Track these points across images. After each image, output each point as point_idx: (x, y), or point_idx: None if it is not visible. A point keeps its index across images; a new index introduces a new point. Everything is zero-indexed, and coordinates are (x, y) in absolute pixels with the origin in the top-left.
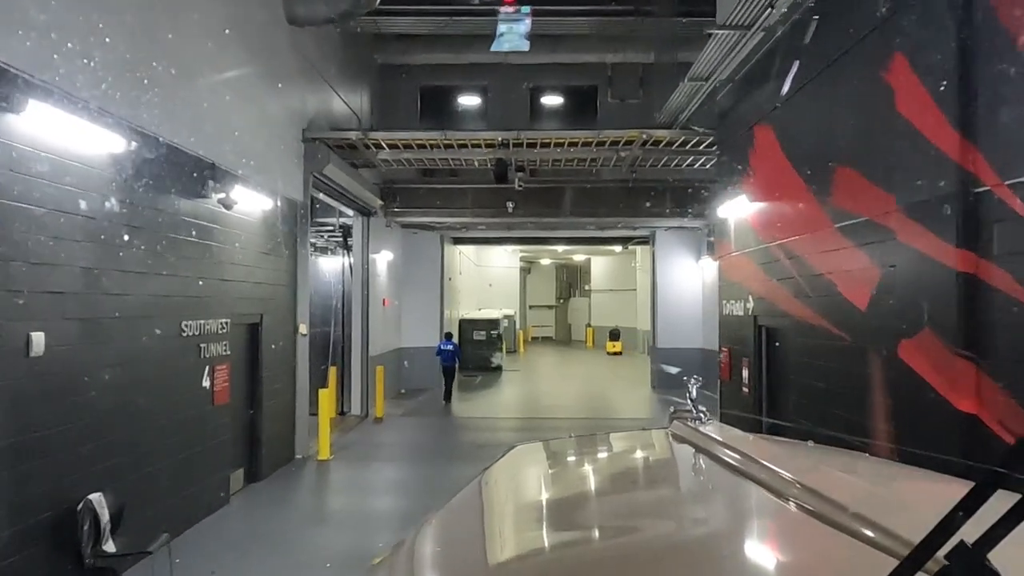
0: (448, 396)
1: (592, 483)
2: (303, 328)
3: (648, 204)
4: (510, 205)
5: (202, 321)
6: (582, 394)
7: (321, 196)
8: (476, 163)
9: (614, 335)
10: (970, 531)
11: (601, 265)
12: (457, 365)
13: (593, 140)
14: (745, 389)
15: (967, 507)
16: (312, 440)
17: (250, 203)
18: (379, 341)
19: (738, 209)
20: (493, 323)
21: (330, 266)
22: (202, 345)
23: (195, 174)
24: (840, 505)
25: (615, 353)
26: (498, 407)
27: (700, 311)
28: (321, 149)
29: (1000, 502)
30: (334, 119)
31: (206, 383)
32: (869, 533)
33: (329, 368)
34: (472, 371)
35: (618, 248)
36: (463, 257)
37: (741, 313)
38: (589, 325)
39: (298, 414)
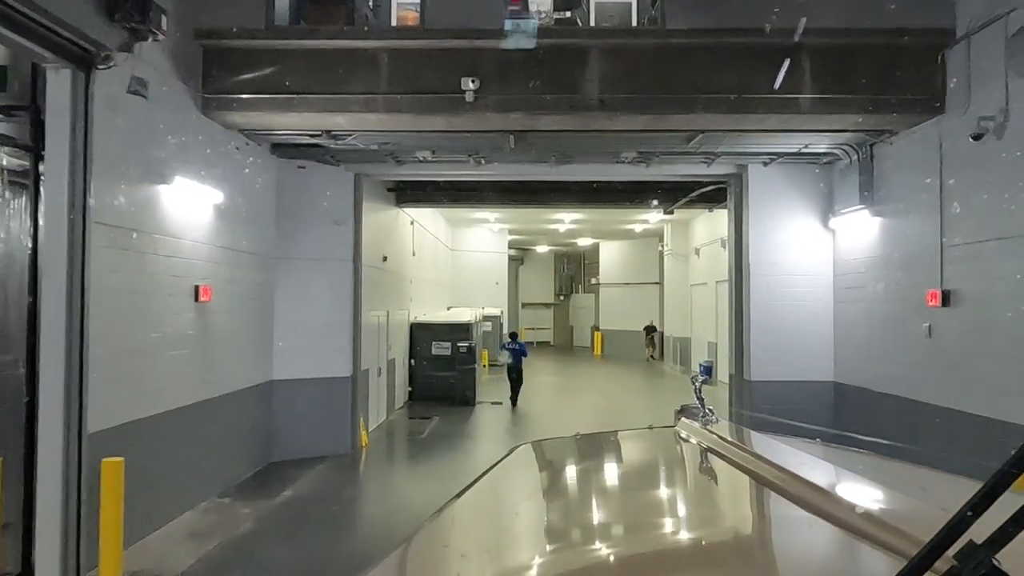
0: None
1: (599, 482)
2: None
3: (763, 79)
4: (471, 85)
5: None
6: None
7: None
8: None
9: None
10: (979, 531)
11: (613, 252)
12: (521, 366)
13: None
14: None
15: (977, 507)
16: None
17: None
18: (173, 385)
19: None
20: (462, 330)
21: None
22: None
23: None
24: (848, 505)
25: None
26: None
27: (831, 316)
28: None
29: (1010, 503)
30: None
31: None
32: (877, 533)
33: None
34: (426, 408)
35: (642, 226)
36: (418, 229)
37: None
38: (596, 328)
39: None
